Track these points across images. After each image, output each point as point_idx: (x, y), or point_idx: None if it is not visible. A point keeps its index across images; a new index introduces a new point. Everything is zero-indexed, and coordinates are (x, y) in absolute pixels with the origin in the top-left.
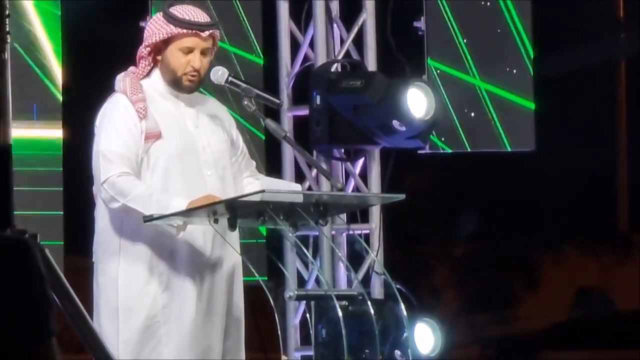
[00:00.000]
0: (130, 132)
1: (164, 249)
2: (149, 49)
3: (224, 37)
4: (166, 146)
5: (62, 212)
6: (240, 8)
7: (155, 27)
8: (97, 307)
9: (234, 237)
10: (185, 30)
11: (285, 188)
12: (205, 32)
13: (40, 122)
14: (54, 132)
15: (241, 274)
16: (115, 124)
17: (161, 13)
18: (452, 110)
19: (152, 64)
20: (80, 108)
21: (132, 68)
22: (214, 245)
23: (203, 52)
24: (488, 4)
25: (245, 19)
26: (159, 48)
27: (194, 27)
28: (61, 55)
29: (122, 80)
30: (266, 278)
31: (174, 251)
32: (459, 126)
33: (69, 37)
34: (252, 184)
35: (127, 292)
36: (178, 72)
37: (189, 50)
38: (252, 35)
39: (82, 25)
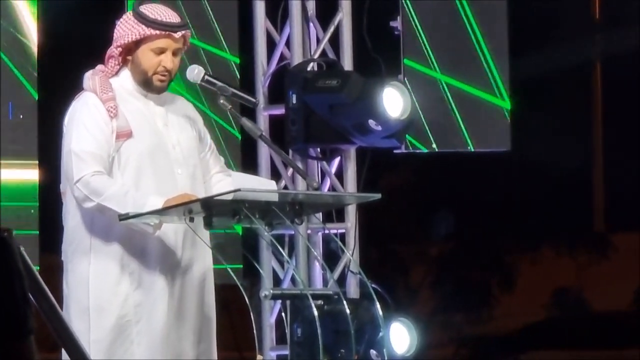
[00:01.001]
0: (101, 131)
1: (136, 248)
2: (120, 49)
3: (194, 36)
4: (137, 145)
5: (37, 203)
6: (214, 7)
7: (126, 28)
8: (67, 307)
9: (205, 237)
10: (157, 32)
11: (259, 184)
12: (178, 33)
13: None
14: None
15: (212, 275)
16: (86, 122)
17: (132, 12)
18: (421, 111)
19: (121, 64)
20: (56, 105)
21: (100, 67)
22: (185, 245)
23: (174, 53)
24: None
25: (214, 18)
26: (130, 48)
27: (167, 29)
28: (37, 53)
29: (90, 78)
30: (241, 266)
31: (145, 250)
32: (426, 126)
33: (45, 35)
34: (223, 180)
35: (99, 291)
36: (149, 72)
37: (161, 51)
38: (228, 35)
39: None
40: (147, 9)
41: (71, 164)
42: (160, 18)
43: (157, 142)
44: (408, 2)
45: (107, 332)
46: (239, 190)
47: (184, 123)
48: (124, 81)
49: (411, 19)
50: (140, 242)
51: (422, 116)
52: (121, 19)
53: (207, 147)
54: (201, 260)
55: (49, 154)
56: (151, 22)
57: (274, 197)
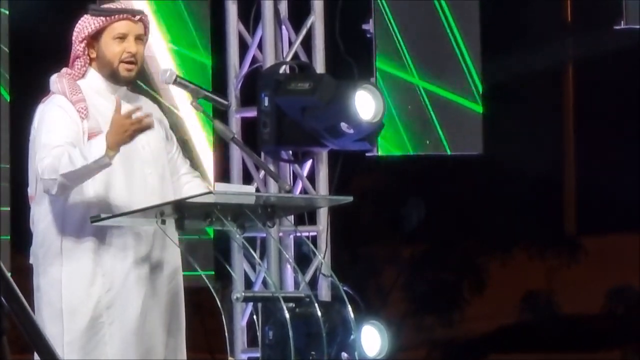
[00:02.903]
0: (69, 129)
1: (108, 249)
2: (83, 44)
3: (173, 38)
4: None
5: (9, 208)
6: (186, 9)
7: (84, 23)
8: (40, 310)
9: (175, 239)
10: (115, 17)
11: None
12: (136, 17)
13: None
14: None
15: (181, 275)
16: (54, 122)
17: (88, 11)
18: (395, 114)
19: (87, 64)
20: (27, 107)
21: (66, 70)
22: (155, 246)
23: (137, 38)
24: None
25: (187, 20)
26: (92, 44)
27: (123, 12)
28: (9, 54)
29: (58, 82)
30: (213, 272)
31: (117, 251)
32: (402, 129)
33: (16, 37)
34: (192, 182)
35: (71, 294)
36: (114, 62)
37: (123, 36)
38: (201, 36)
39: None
40: (103, 4)
41: (37, 163)
42: (115, 6)
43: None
44: (384, 2)
45: (80, 334)
46: (211, 192)
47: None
48: (92, 81)
49: (387, 20)
50: (112, 243)
51: (396, 119)
52: (78, 22)
53: (174, 147)
54: (172, 258)
55: (20, 156)
56: (107, 11)
57: (246, 200)
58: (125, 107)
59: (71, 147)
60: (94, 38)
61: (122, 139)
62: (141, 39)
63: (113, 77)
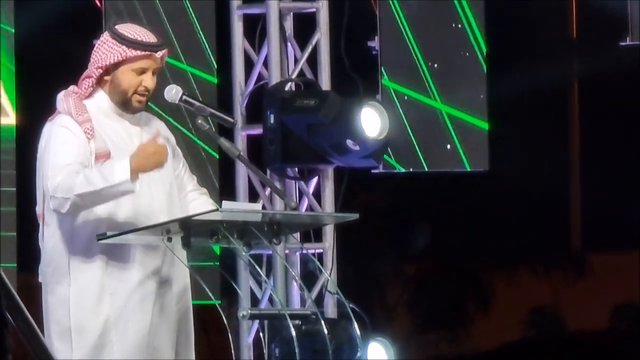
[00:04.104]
0: (78, 149)
1: (115, 267)
2: (100, 70)
3: (180, 56)
4: None
5: (15, 234)
6: (193, 27)
7: (106, 49)
8: (48, 328)
9: (182, 256)
10: (139, 52)
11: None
12: (159, 53)
13: None
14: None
15: (190, 294)
16: (62, 142)
17: (109, 33)
18: (409, 130)
19: (95, 85)
20: (33, 128)
21: (73, 88)
22: (164, 263)
23: (154, 72)
24: (453, 25)
25: (202, 38)
26: (108, 69)
27: (148, 49)
28: (14, 72)
29: (64, 101)
30: (219, 302)
31: (125, 268)
32: (416, 146)
33: (22, 55)
34: (199, 199)
35: (79, 312)
36: (129, 92)
37: (143, 71)
38: (206, 54)
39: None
40: (126, 30)
41: (47, 183)
42: (141, 38)
43: None
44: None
45: (89, 352)
46: (217, 209)
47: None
48: (99, 102)
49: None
50: (120, 261)
51: (411, 135)
52: (99, 41)
53: (181, 164)
54: (180, 277)
55: (26, 179)
56: (132, 42)
57: (252, 217)
58: (133, 130)
59: (83, 167)
60: (111, 65)
61: (146, 167)
62: (157, 72)
63: (123, 105)
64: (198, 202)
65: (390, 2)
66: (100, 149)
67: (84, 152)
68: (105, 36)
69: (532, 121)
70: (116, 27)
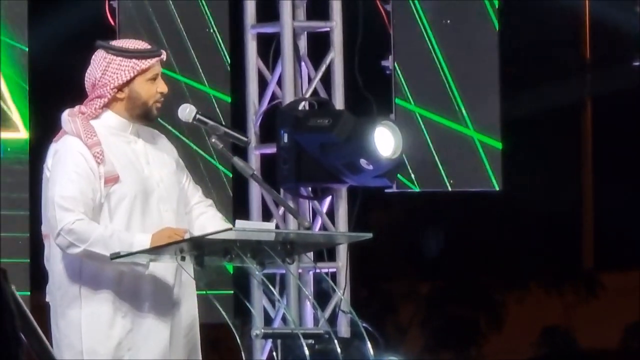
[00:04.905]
0: (86, 177)
1: (127, 291)
2: (116, 90)
3: (196, 75)
4: (125, 189)
5: (28, 260)
6: (206, 47)
7: (117, 68)
8: (60, 352)
9: (191, 279)
10: (150, 60)
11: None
12: (163, 55)
13: (7, 160)
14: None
15: (198, 327)
16: (70, 169)
17: (109, 52)
18: (433, 150)
19: (105, 105)
20: (46, 146)
21: (80, 108)
22: (175, 283)
23: (161, 76)
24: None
25: (206, 57)
26: (122, 87)
27: (154, 54)
28: (27, 91)
29: (71, 122)
30: (233, 321)
31: (136, 292)
32: (439, 165)
33: (35, 72)
34: (206, 213)
35: (92, 336)
36: (149, 102)
37: (155, 78)
38: (220, 73)
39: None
40: (125, 44)
41: (54, 212)
42: (143, 47)
43: (143, 183)
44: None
45: None
46: (231, 229)
47: (163, 157)
48: (107, 121)
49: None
50: (132, 285)
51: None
52: (99, 61)
53: (185, 176)
54: (189, 296)
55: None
56: (139, 53)
57: (266, 237)
58: (139, 148)
59: (92, 203)
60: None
61: (160, 243)
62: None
63: (145, 116)
64: (206, 217)
65: (405, 22)
66: (109, 173)
67: (92, 183)
68: (105, 55)
69: (545, 140)
70: (112, 43)
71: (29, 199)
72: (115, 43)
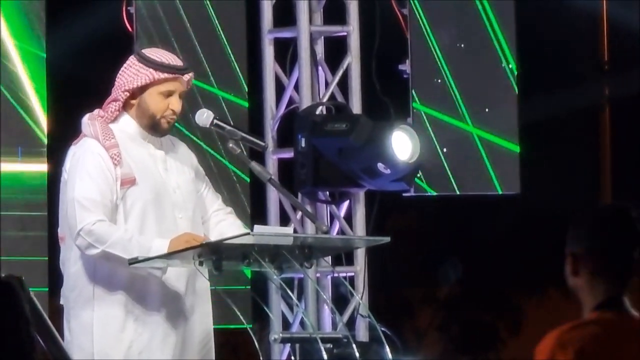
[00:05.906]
0: (105, 178)
1: (139, 295)
2: (127, 93)
3: (211, 80)
4: (141, 192)
5: (47, 258)
6: (223, 52)
7: (133, 72)
8: (70, 353)
9: (206, 285)
10: (167, 75)
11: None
12: (186, 76)
13: (25, 165)
14: (39, 170)
15: (213, 341)
16: (89, 170)
17: (135, 57)
18: (441, 154)
19: (121, 108)
20: (64, 151)
21: (99, 112)
22: (187, 291)
23: (180, 95)
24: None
25: (234, 62)
26: (135, 92)
27: (176, 72)
28: (46, 96)
29: (90, 125)
30: (251, 326)
31: (149, 296)
32: (448, 169)
33: (53, 79)
34: (225, 220)
35: (103, 339)
36: (157, 115)
37: (170, 94)
38: (237, 78)
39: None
40: (152, 53)
41: (74, 212)
42: (167, 61)
43: (159, 188)
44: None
45: None
46: (248, 233)
47: (182, 165)
48: (125, 126)
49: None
50: (144, 289)
51: (442, 159)
52: (126, 64)
53: (204, 184)
54: (203, 303)
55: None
56: (159, 65)
57: (284, 241)
58: (158, 154)
59: (111, 205)
60: (138, 88)
61: (177, 248)
62: (183, 95)
63: (152, 127)
64: (226, 224)
65: (421, 25)
66: (126, 175)
67: (110, 184)
68: (132, 60)
69: (564, 144)
70: (143, 51)
71: (46, 200)
72: (146, 51)
